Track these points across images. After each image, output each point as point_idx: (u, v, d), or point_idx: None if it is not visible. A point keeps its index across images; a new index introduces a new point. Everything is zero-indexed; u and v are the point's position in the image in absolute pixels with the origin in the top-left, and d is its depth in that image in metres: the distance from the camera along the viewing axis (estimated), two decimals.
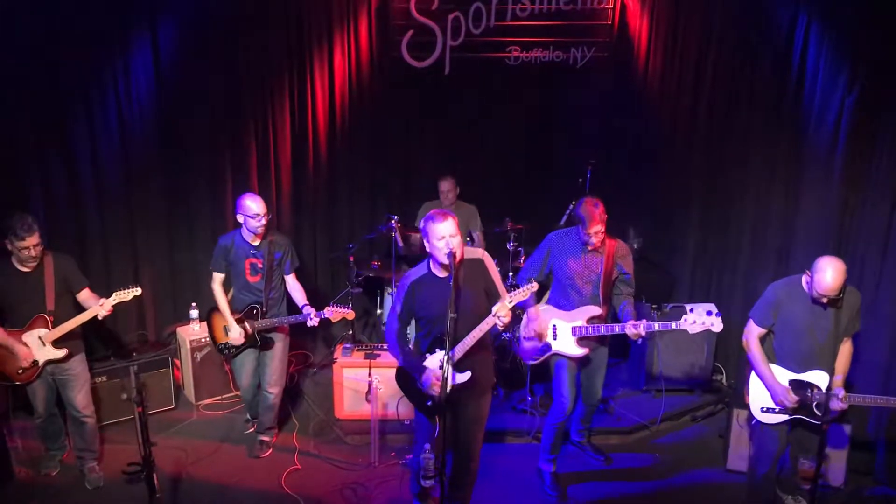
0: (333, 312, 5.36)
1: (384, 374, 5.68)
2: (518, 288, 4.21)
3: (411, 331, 4.56)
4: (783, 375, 4.58)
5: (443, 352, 4.15)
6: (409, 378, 4.42)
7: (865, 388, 4.91)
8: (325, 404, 6.27)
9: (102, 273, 6.37)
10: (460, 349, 4.20)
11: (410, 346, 4.60)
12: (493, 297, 4.34)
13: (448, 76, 7.62)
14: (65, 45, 5.91)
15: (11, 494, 5.17)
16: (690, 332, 4.75)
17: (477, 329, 4.18)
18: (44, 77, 5.88)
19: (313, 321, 5.32)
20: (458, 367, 4.22)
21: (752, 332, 4.65)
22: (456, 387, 4.19)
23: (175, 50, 6.43)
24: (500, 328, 4.19)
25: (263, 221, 5.26)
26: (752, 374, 4.70)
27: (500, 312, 4.08)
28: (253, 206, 5.22)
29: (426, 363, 4.32)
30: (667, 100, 7.16)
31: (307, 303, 5.43)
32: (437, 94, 7.70)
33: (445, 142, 7.90)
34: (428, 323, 4.36)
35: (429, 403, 4.34)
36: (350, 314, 5.43)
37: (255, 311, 5.42)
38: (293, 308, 5.55)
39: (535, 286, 4.28)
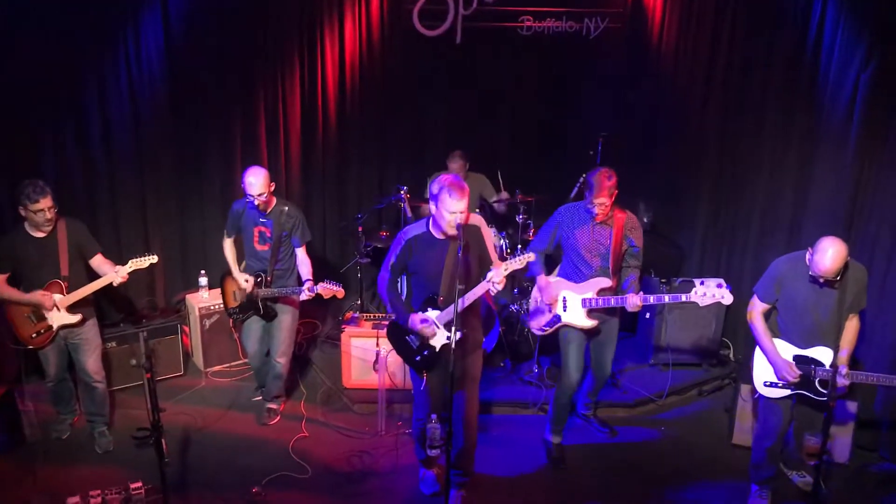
0: (325, 289, 5.24)
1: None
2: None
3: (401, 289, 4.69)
4: (787, 350, 4.58)
5: (435, 310, 4.39)
6: (399, 333, 4.55)
7: (874, 368, 4.90)
8: (332, 373, 6.30)
9: (113, 240, 6.39)
10: (454, 310, 4.24)
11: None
12: (486, 264, 4.45)
13: (459, 46, 7.55)
14: (74, 10, 5.86)
15: (23, 457, 5.23)
16: (701, 304, 4.75)
17: (471, 293, 4.31)
18: (53, 44, 5.85)
19: (306, 295, 5.28)
20: (450, 327, 4.26)
21: (756, 307, 4.66)
22: (447, 346, 4.27)
23: (185, 17, 6.37)
24: (493, 293, 4.32)
25: (257, 202, 5.21)
26: (757, 348, 4.71)
27: (495, 278, 4.18)
28: (251, 185, 5.15)
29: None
30: (680, 72, 7.07)
31: (310, 278, 5.38)
32: (447, 64, 7.63)
33: (456, 112, 7.84)
34: (420, 281, 4.47)
35: (417, 359, 4.48)
36: (340, 293, 5.30)
37: (259, 280, 5.43)
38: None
39: (531, 256, 4.38)
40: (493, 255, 4.52)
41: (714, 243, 6.99)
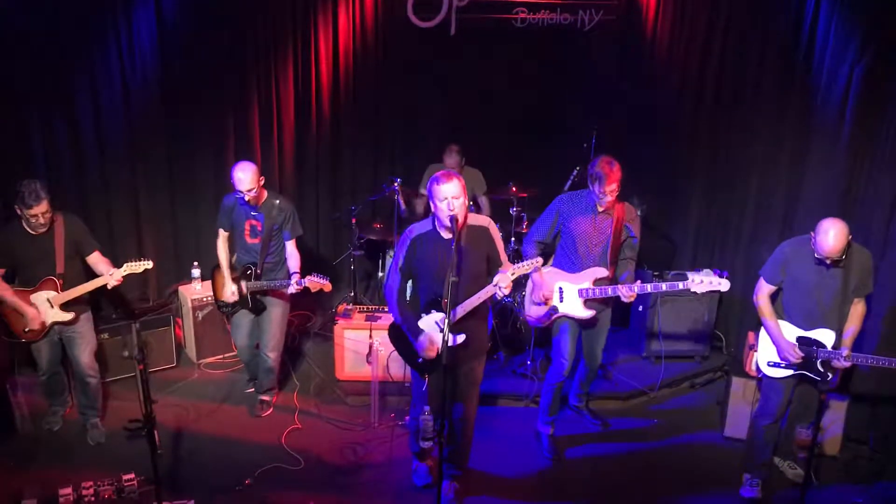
0: (312, 282, 5.22)
1: (385, 337, 5.68)
2: (522, 257, 4.25)
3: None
4: (791, 332, 4.64)
5: (439, 313, 4.27)
6: (402, 335, 4.47)
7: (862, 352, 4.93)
8: (325, 365, 6.30)
9: (105, 232, 6.35)
10: (459, 312, 4.23)
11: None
12: (495, 265, 4.39)
13: (454, 37, 7.52)
14: (66, 3, 5.82)
15: (14, 450, 5.22)
16: (697, 291, 4.70)
17: (476, 296, 4.24)
18: (46, 39, 5.80)
19: (294, 288, 5.24)
20: (454, 329, 4.22)
21: (763, 289, 4.73)
22: (451, 348, 4.20)
23: (178, 10, 6.33)
24: (500, 297, 4.25)
25: (247, 197, 5.17)
26: (762, 329, 4.77)
27: (502, 283, 4.14)
28: (240, 181, 5.11)
29: (421, 323, 4.38)
30: (674, 65, 7.07)
31: (297, 271, 5.35)
32: (442, 56, 7.61)
33: (449, 104, 7.82)
34: (425, 281, 4.38)
35: (419, 361, 4.42)
36: (327, 286, 5.27)
37: (248, 272, 5.41)
38: None
39: (539, 261, 4.34)
40: (504, 257, 4.44)
41: (707, 237, 7.01)
